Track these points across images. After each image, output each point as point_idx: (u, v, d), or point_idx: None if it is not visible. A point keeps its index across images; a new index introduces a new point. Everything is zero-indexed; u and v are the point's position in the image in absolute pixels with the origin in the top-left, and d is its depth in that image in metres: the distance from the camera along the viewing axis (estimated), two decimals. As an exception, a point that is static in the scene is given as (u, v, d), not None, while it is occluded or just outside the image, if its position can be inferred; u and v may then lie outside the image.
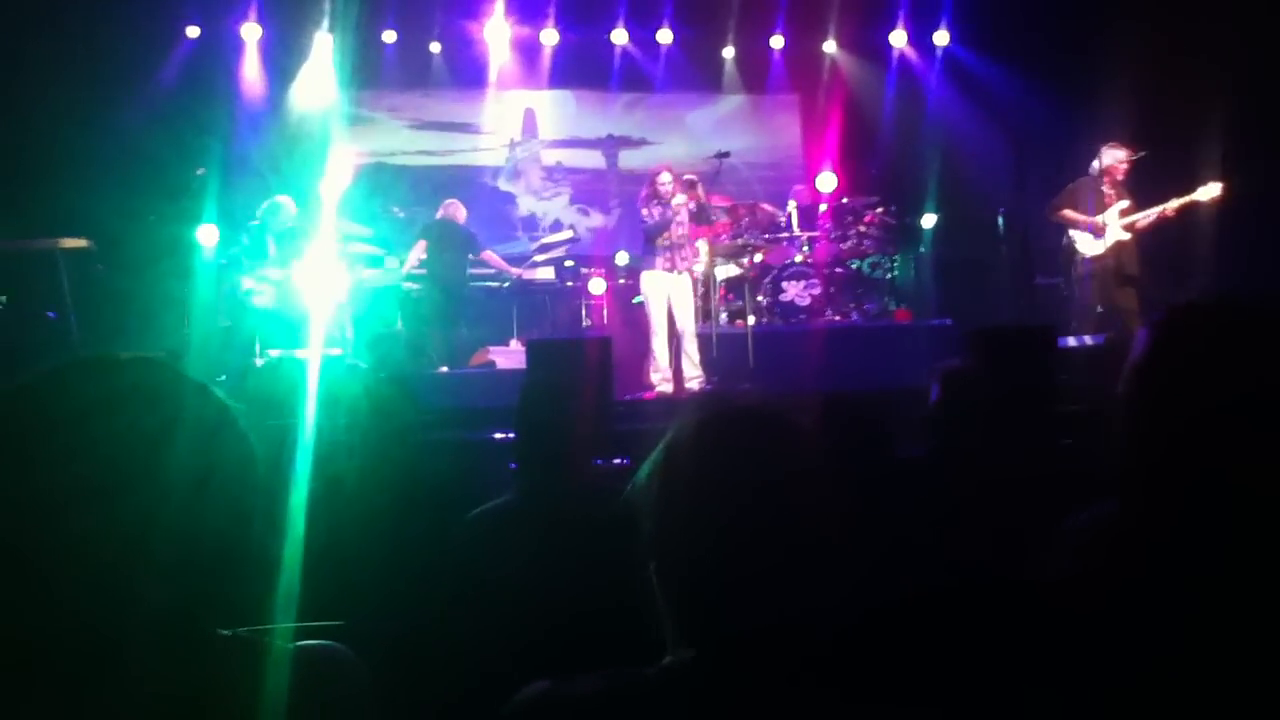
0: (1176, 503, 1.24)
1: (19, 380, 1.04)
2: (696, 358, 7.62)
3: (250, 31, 10.12)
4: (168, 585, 1.01)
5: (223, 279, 7.86)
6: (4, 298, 7.66)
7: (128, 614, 1.00)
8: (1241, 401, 1.23)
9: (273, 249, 8.00)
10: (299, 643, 1.13)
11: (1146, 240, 7.69)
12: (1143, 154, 7.73)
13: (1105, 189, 7.68)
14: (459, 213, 8.97)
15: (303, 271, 7.96)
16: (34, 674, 0.99)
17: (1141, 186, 7.73)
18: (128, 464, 1.00)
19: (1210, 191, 7.37)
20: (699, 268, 8.39)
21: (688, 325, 7.68)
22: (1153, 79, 8.24)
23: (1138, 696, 1.24)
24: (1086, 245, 7.71)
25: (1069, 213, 7.77)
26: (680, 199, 7.62)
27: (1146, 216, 7.57)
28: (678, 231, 7.68)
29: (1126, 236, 7.61)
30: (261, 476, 1.11)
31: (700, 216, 7.84)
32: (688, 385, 7.60)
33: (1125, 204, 7.62)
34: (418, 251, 8.77)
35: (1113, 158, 7.65)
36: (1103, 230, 7.63)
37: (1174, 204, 7.48)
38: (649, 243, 7.74)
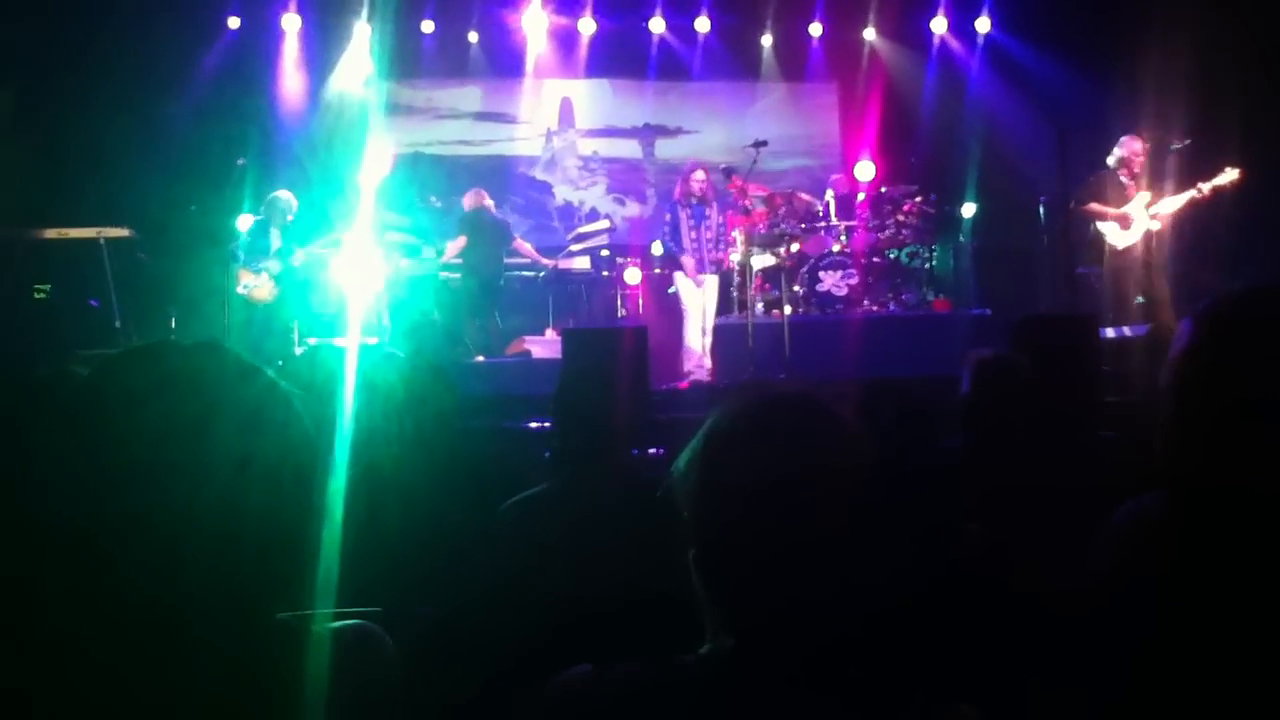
0: (1223, 496, 1.21)
1: (85, 369, 1.10)
2: (709, 358, 7.91)
3: (290, 22, 10.20)
4: (215, 565, 1.03)
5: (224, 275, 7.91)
6: (48, 286, 7.79)
7: (179, 592, 1.02)
8: None
9: (277, 242, 8.05)
10: (334, 623, 1.14)
11: (1176, 229, 7.66)
12: (1186, 142, 7.67)
13: (1125, 180, 7.65)
14: (489, 202, 9.00)
15: (310, 263, 8.05)
16: (92, 647, 1.01)
17: (1168, 175, 7.69)
18: (176, 445, 1.02)
19: (1228, 177, 7.32)
20: (735, 257, 8.38)
21: (708, 323, 7.94)
22: (1189, 67, 8.14)
23: (1180, 696, 1.21)
24: (1115, 237, 7.66)
25: (1095, 206, 7.73)
26: (709, 209, 7.95)
27: (1175, 203, 7.51)
28: (706, 235, 7.84)
29: (1156, 226, 7.56)
30: (312, 462, 1.12)
31: (735, 210, 8.06)
32: (691, 379, 7.77)
33: (1147, 195, 7.58)
34: (459, 245, 8.79)
35: (1129, 149, 7.63)
36: (1129, 222, 7.58)
37: (1206, 187, 7.41)
38: (679, 244, 7.92)
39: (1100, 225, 7.74)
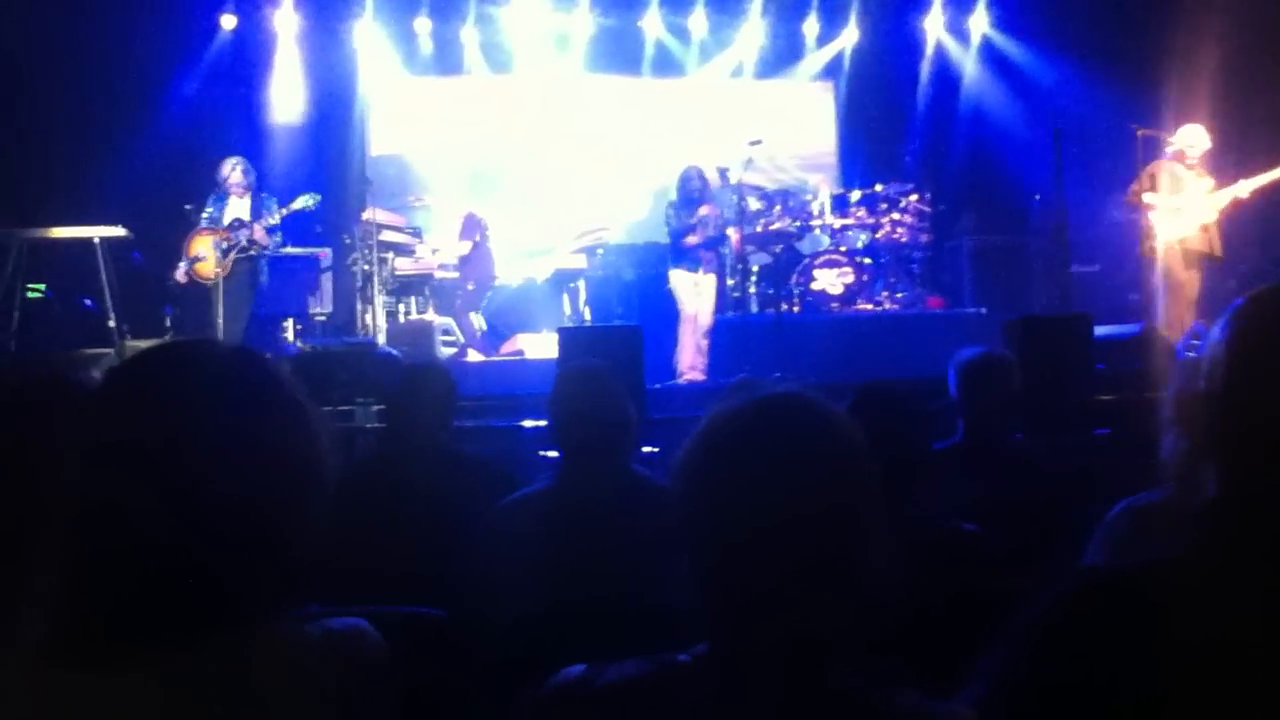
0: (1245, 491, 1.15)
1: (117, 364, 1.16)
2: (703, 358, 7.81)
3: (284, 20, 10.17)
4: (221, 557, 1.06)
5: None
6: (43, 286, 7.76)
7: (190, 582, 1.05)
8: None
9: (238, 212, 7.52)
10: (326, 620, 1.15)
11: (1230, 222, 7.40)
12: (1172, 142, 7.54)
13: (1180, 171, 7.39)
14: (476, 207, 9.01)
15: (301, 259, 7.86)
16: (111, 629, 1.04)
17: (1218, 167, 7.47)
18: (197, 445, 1.07)
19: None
20: (730, 255, 8.38)
21: (704, 322, 7.86)
22: (1210, 60, 8.00)
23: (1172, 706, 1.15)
24: (1162, 229, 7.33)
25: (1148, 196, 7.40)
26: (705, 209, 7.87)
27: (1225, 198, 7.26)
28: (702, 235, 7.83)
29: (1210, 219, 7.28)
30: (321, 467, 1.16)
31: (729, 216, 8.02)
32: (684, 378, 7.69)
33: (1209, 183, 7.32)
34: (465, 247, 8.75)
35: (1185, 139, 7.38)
36: (1179, 213, 7.30)
37: (1249, 185, 7.19)
38: (675, 244, 7.87)
39: (1150, 216, 7.42)
